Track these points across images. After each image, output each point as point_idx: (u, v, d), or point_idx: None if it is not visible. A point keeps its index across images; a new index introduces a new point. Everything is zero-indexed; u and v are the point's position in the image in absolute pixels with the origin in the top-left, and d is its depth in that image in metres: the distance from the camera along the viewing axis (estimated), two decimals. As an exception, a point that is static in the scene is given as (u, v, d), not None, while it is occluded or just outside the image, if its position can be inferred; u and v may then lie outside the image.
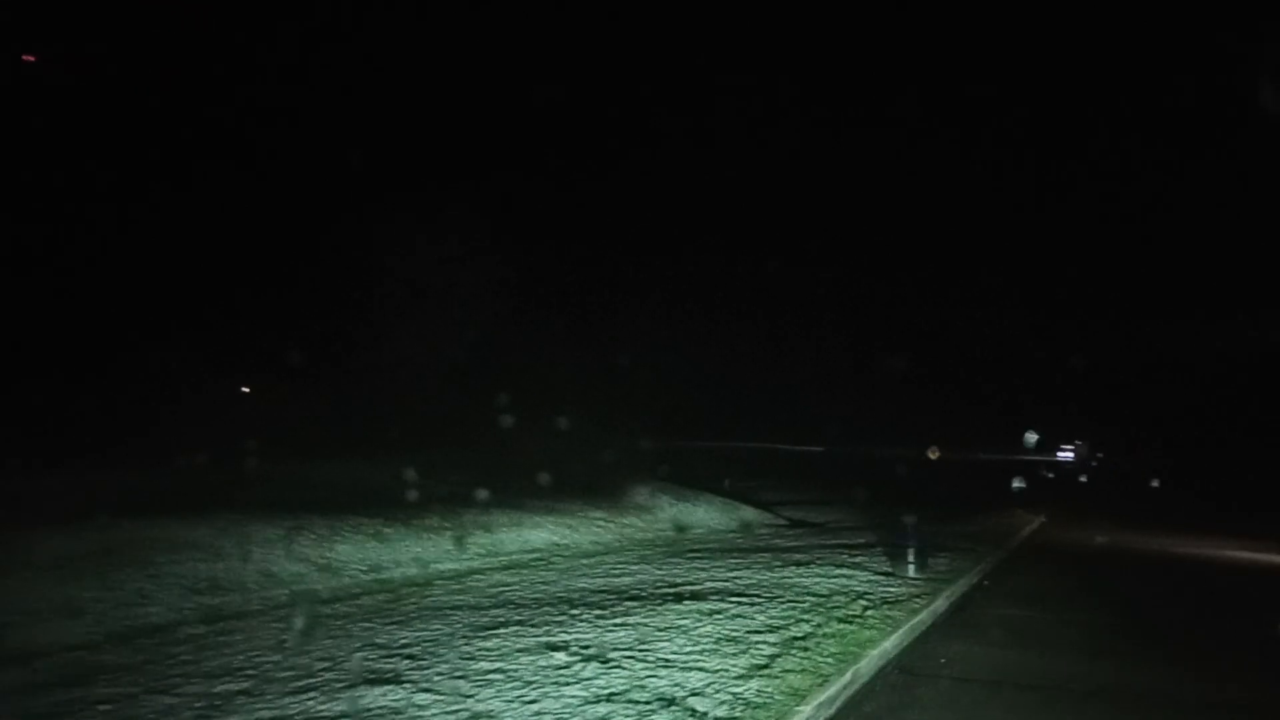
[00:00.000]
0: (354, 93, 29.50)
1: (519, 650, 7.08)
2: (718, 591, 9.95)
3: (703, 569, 11.96)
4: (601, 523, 16.71)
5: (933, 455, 38.75)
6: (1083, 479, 52.64)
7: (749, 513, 21.80)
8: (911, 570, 11.95)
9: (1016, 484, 37.59)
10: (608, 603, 9.24)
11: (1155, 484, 51.43)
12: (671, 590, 10.08)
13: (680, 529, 18.36)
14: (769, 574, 11.47)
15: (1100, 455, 58.59)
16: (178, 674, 6.62)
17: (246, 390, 30.27)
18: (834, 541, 15.95)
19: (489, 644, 7.34)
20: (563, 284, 33.70)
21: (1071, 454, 56.54)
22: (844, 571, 11.83)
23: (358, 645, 7.44)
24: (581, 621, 8.24)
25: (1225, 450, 51.85)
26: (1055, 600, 11.77)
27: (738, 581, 10.79)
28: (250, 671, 6.60)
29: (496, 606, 9.19)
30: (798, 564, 12.46)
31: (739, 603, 9.25)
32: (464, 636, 7.64)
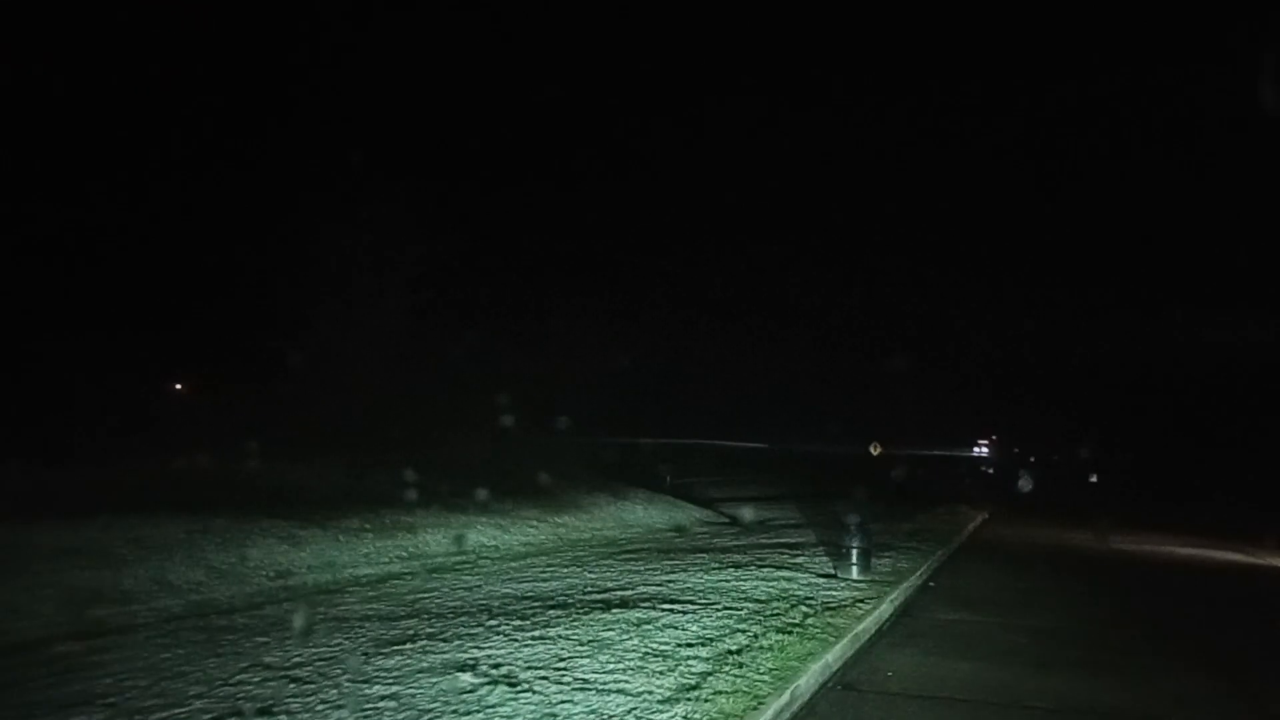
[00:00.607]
0: (331, 87, 28.34)
1: (421, 671, 6.34)
2: (649, 598, 9.29)
3: (636, 572, 11.29)
4: (534, 522, 15.98)
5: (875, 451, 38.81)
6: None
7: (690, 511, 21.26)
8: (855, 572, 11.41)
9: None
10: (530, 612, 8.54)
11: (1094, 479, 52.38)
12: (600, 597, 9.39)
13: (617, 528, 17.70)
14: (705, 577, 10.83)
15: (1016, 450, 59.52)
16: (25, 701, 5.79)
17: (179, 387, 29.02)
18: (775, 541, 15.40)
19: (390, 662, 6.60)
20: (524, 284, 32.73)
21: (986, 450, 57.57)
22: (784, 574, 11.24)
23: (244, 665, 6.65)
24: (497, 635, 7.52)
25: (1168, 447, 52.71)
26: (1003, 603, 11.29)
27: (672, 585, 10.14)
28: (111, 699, 5.79)
29: (409, 617, 8.44)
30: (736, 565, 11.86)
31: (670, 611, 8.59)
32: (364, 653, 6.88)
